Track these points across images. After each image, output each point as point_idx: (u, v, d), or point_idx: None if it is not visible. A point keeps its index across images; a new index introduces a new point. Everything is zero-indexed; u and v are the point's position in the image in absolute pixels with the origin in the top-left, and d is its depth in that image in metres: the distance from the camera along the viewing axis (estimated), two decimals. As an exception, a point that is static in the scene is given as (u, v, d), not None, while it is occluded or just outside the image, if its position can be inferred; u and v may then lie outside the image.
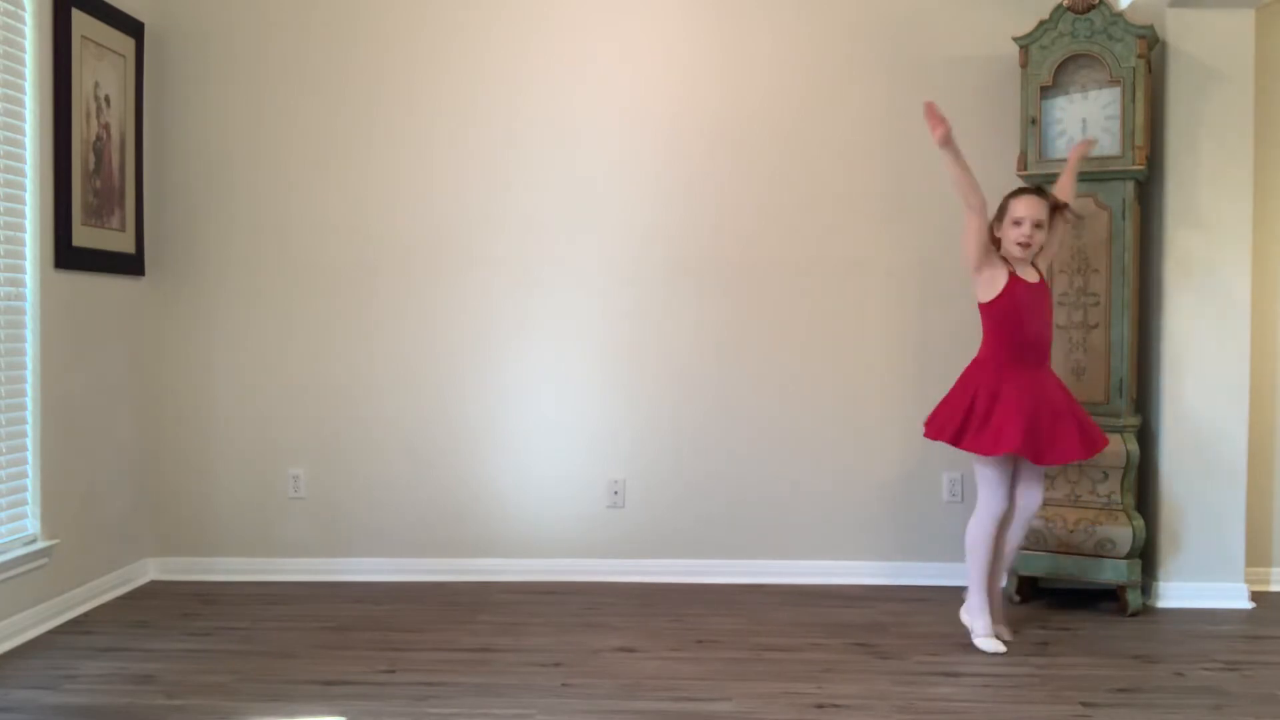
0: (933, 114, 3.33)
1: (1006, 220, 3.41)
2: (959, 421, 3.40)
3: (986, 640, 3.44)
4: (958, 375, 4.23)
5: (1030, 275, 3.43)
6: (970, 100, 4.23)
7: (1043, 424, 3.35)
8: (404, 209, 4.34)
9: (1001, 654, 3.39)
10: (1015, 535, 3.52)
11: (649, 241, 4.32)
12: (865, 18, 4.27)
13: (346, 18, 4.33)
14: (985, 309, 3.43)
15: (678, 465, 4.34)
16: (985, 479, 3.45)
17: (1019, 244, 3.37)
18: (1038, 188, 3.48)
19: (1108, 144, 3.87)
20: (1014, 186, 4.09)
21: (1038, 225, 3.37)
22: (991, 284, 3.39)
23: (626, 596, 4.10)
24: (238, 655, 3.42)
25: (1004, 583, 3.57)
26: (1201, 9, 3.85)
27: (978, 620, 3.48)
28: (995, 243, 3.43)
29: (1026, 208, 3.37)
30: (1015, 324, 3.39)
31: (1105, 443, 3.46)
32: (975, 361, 3.51)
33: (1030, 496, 3.48)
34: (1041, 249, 3.46)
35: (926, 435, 3.52)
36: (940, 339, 4.27)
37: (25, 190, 3.64)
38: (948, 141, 3.30)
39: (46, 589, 3.70)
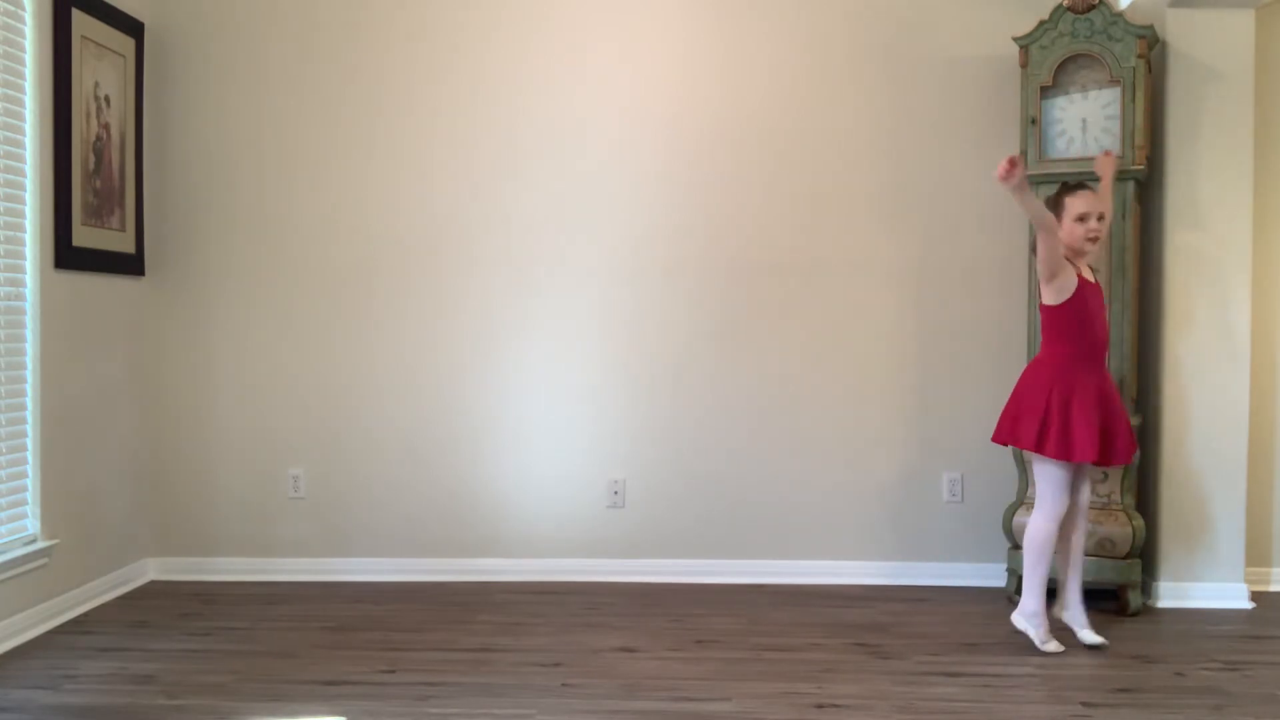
0: (1013, 164, 3.18)
1: (1067, 219, 3.39)
2: (1038, 427, 3.37)
3: (1046, 643, 3.42)
4: (957, 374, 4.27)
5: (1088, 273, 3.45)
6: (970, 100, 4.23)
7: (1107, 426, 3.37)
8: (404, 209, 4.34)
9: (1062, 653, 3.38)
10: (1079, 538, 3.51)
11: (649, 241, 4.32)
12: (865, 18, 4.27)
13: (346, 18, 4.33)
14: (1056, 311, 3.39)
15: (678, 465, 4.34)
16: (1052, 480, 3.42)
17: (1089, 239, 3.39)
18: (1079, 184, 3.49)
19: (1108, 144, 3.87)
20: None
21: (1101, 217, 3.41)
22: (1064, 288, 3.35)
23: (626, 596, 4.10)
24: (238, 655, 3.42)
25: (1080, 587, 3.55)
26: (1201, 9, 3.85)
27: (1036, 628, 3.45)
28: None
29: (1088, 203, 3.39)
30: (1085, 325, 3.38)
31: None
32: (1039, 364, 3.49)
33: (1084, 492, 3.49)
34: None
35: (997, 441, 3.55)
36: (940, 338, 4.27)
37: (25, 190, 3.64)
38: (1023, 186, 3.20)
39: (46, 589, 3.70)
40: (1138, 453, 3.53)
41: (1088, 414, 3.33)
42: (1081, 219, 3.38)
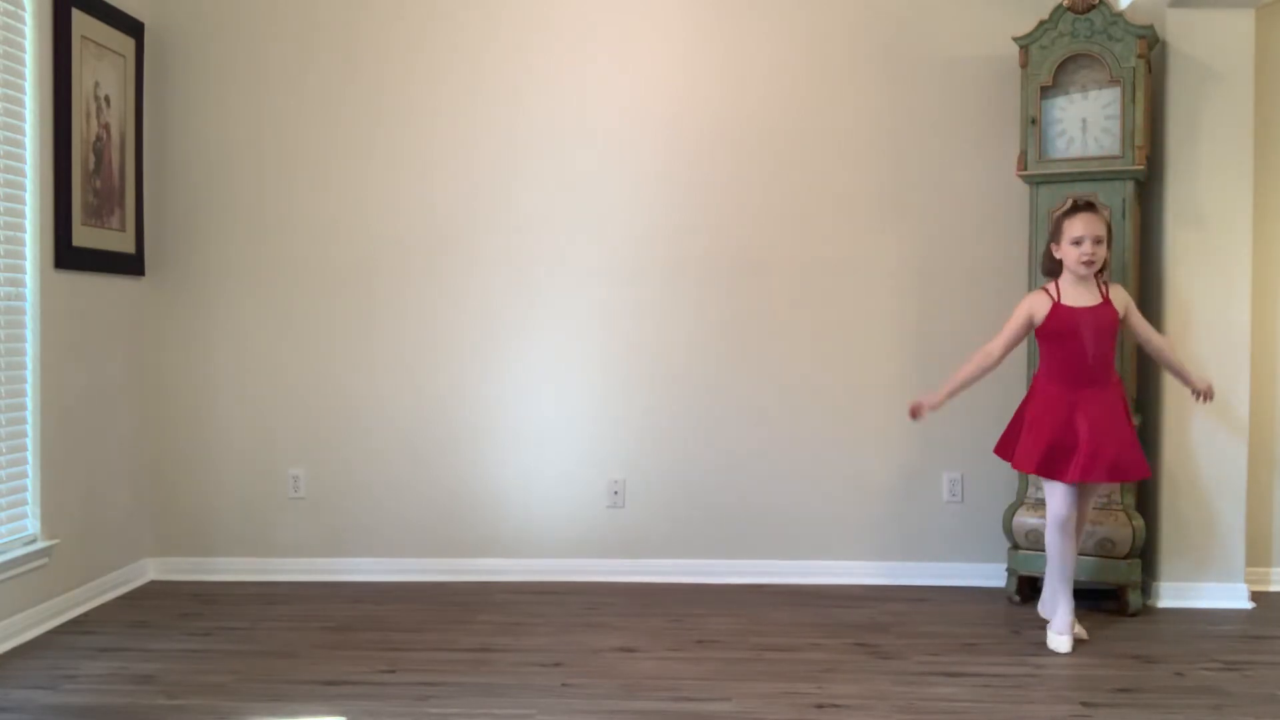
0: (913, 413, 3.61)
1: (1065, 240, 3.45)
2: (1011, 438, 3.60)
3: (1057, 637, 3.46)
4: (957, 375, 4.27)
5: (1087, 298, 3.47)
6: (970, 100, 4.23)
7: (1069, 443, 3.40)
8: (404, 209, 4.34)
9: (1065, 654, 3.40)
10: (1077, 540, 3.56)
11: (649, 241, 4.32)
12: (865, 18, 4.27)
13: (347, 18, 4.33)
14: (1036, 332, 3.56)
15: (678, 465, 4.34)
16: (1046, 487, 3.55)
17: (1083, 262, 3.42)
18: (1088, 203, 3.51)
19: (1108, 144, 3.86)
20: (1014, 186, 4.13)
21: (1097, 241, 3.42)
22: (1036, 318, 3.51)
23: (626, 596, 4.10)
24: (238, 655, 3.42)
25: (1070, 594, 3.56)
26: (1201, 9, 3.85)
27: (1056, 616, 3.51)
28: (1056, 265, 3.52)
29: (1084, 225, 3.42)
30: (1058, 348, 3.49)
31: (1140, 474, 3.47)
32: (1033, 378, 3.67)
33: (1081, 513, 3.54)
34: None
35: (994, 452, 3.72)
36: (940, 339, 4.27)
37: (25, 190, 3.64)
38: (938, 402, 3.56)
39: (46, 589, 3.70)
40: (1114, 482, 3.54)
41: (1039, 429, 3.47)
42: (1076, 242, 3.42)
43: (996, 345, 3.55)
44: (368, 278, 4.35)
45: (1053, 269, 3.55)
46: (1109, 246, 3.50)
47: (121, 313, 4.19)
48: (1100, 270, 3.50)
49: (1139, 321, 3.59)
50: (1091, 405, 3.43)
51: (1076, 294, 3.47)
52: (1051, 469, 3.43)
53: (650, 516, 4.35)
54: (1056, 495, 3.47)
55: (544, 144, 4.31)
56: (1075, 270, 3.45)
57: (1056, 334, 3.47)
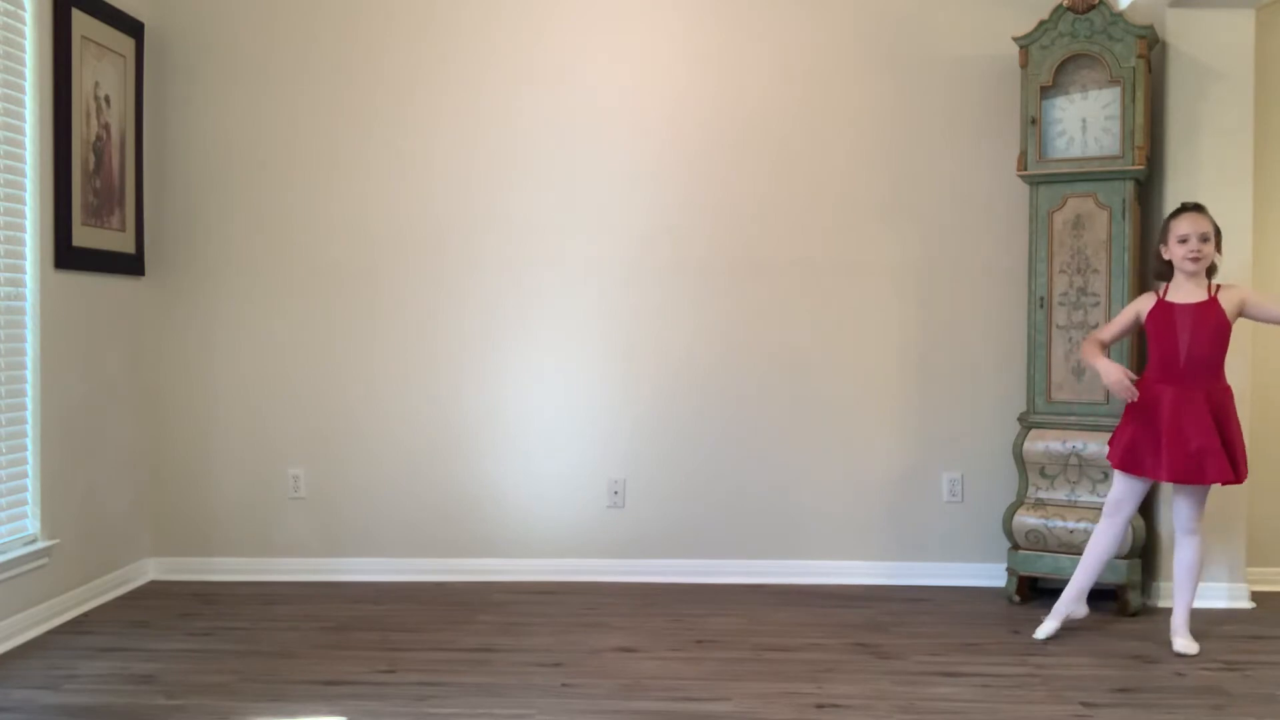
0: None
1: (1171, 240, 3.46)
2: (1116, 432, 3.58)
3: (1040, 628, 3.58)
4: (957, 375, 4.28)
5: (1193, 294, 3.45)
6: (970, 100, 4.23)
7: (1151, 440, 3.41)
8: (404, 209, 4.34)
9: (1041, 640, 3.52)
10: (1180, 555, 3.52)
11: (649, 242, 4.32)
12: (865, 18, 4.27)
13: (347, 17, 4.33)
14: (1144, 329, 3.57)
15: (678, 465, 4.34)
16: (1113, 479, 3.62)
17: (1189, 260, 3.41)
18: (1196, 204, 3.49)
19: (1108, 144, 3.87)
20: (1014, 186, 4.13)
21: (1203, 238, 3.41)
22: (1144, 312, 3.52)
23: (626, 596, 4.10)
24: (238, 655, 3.42)
25: (1184, 603, 3.51)
26: (1201, 9, 3.86)
27: (1053, 613, 3.61)
28: (1165, 267, 3.51)
29: (1190, 224, 3.42)
30: (1156, 344, 3.48)
31: (1226, 478, 3.36)
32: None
33: (1178, 515, 3.52)
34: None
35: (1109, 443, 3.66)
36: (940, 339, 4.27)
37: (25, 190, 3.64)
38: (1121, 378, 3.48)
39: (46, 589, 3.70)
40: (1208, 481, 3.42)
41: (1126, 422, 3.49)
42: (1182, 240, 3.42)
43: (1104, 331, 3.61)
44: (368, 277, 4.35)
45: (1162, 272, 3.54)
46: (1218, 246, 3.45)
47: (121, 313, 4.19)
48: (1210, 272, 3.47)
49: (1259, 304, 3.42)
50: (1177, 404, 3.39)
51: (1182, 292, 3.46)
52: (1131, 464, 3.46)
53: (650, 516, 4.35)
54: (1114, 486, 3.55)
55: (543, 144, 4.31)
56: (1183, 268, 3.44)
57: (1154, 328, 3.48)
